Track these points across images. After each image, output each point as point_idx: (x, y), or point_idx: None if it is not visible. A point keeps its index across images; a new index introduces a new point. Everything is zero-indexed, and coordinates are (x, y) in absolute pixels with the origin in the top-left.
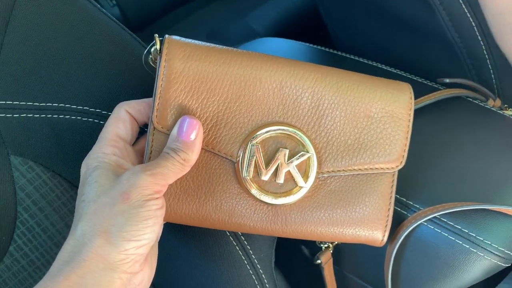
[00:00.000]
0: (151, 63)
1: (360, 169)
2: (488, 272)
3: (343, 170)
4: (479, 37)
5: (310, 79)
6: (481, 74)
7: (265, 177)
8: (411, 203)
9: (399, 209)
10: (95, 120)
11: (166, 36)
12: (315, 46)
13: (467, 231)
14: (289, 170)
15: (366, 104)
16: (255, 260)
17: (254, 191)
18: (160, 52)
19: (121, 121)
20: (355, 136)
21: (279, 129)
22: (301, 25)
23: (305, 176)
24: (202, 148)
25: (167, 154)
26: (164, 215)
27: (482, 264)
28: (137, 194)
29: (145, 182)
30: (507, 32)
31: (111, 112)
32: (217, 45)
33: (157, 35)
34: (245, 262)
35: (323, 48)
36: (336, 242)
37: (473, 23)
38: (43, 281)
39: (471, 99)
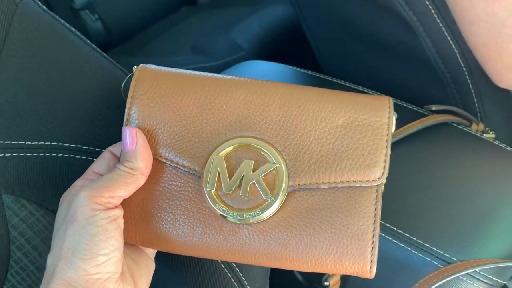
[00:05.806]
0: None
1: (335, 182)
2: None
3: (317, 183)
4: (461, 63)
5: (276, 93)
6: (464, 99)
7: (228, 189)
8: (402, 232)
9: (383, 235)
10: (88, 158)
11: (141, 64)
12: (301, 70)
13: (456, 259)
14: (254, 182)
15: (338, 114)
16: None
17: (218, 205)
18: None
19: (100, 159)
20: (328, 146)
21: (244, 142)
22: (286, 39)
23: (273, 189)
24: (167, 165)
25: (115, 167)
26: (121, 230)
27: None
28: (81, 213)
29: (84, 199)
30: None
31: (104, 149)
32: (187, 70)
33: (135, 66)
34: None
35: (309, 72)
36: None
37: (455, 50)
38: None
39: (455, 125)
